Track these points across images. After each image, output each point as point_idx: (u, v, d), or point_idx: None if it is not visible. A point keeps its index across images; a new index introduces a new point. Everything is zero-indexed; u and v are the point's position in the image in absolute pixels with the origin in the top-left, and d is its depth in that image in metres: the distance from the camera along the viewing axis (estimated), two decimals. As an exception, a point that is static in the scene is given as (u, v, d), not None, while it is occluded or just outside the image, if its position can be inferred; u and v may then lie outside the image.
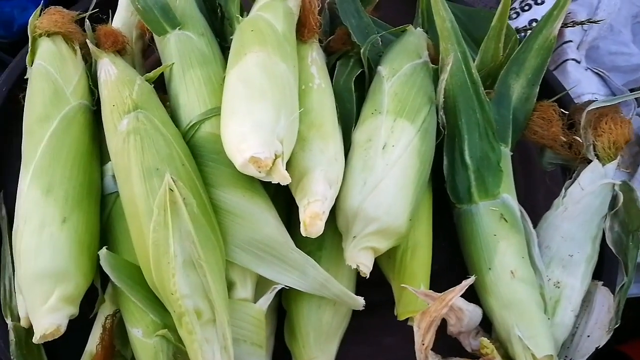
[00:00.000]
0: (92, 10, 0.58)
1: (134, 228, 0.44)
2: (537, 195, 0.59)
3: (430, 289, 0.47)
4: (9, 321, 0.48)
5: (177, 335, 0.42)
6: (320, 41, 0.58)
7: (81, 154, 0.49)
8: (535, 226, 0.52)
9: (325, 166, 0.46)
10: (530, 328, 0.45)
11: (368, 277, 0.45)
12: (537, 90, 0.56)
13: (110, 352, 0.46)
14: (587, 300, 0.50)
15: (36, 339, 0.43)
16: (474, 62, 0.55)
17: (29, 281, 0.44)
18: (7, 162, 0.56)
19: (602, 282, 0.51)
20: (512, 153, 0.54)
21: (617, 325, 0.48)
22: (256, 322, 0.45)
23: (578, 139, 0.54)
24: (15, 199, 0.48)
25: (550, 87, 0.60)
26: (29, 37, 0.54)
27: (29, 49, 0.54)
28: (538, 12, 0.78)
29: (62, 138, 0.49)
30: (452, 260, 0.54)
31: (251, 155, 0.41)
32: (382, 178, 0.46)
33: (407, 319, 0.47)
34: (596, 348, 0.48)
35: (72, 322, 0.45)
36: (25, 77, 0.53)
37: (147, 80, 0.51)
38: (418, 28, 0.60)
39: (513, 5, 0.78)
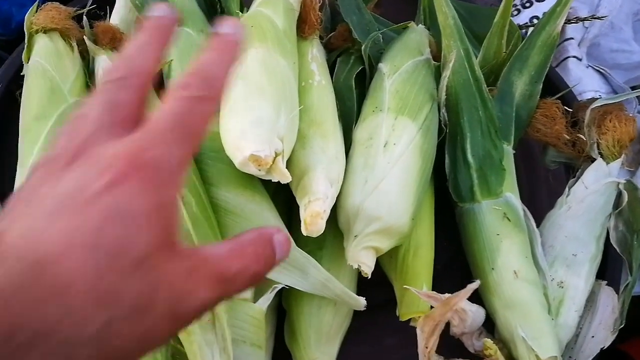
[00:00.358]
0: (90, 6, 0.58)
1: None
2: (541, 194, 0.58)
3: (432, 289, 0.47)
4: None
5: (176, 336, 0.42)
6: (320, 38, 0.57)
7: (78, 153, 0.48)
8: (538, 225, 0.52)
9: (326, 164, 0.46)
10: (534, 329, 0.45)
11: (369, 277, 0.45)
12: (540, 87, 0.56)
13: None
14: (591, 301, 0.50)
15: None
16: (476, 59, 0.54)
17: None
18: (3, 161, 0.55)
19: (606, 281, 0.50)
20: (514, 151, 0.53)
21: (622, 326, 0.47)
22: (256, 322, 0.44)
23: (582, 136, 0.54)
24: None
25: (553, 85, 0.59)
26: (25, 33, 0.53)
27: (25, 46, 0.53)
28: (539, 9, 0.78)
29: (59, 136, 0.48)
30: (455, 260, 0.53)
31: (251, 153, 0.41)
32: (383, 176, 0.45)
33: (409, 320, 0.47)
34: (601, 349, 0.47)
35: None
36: (22, 74, 0.53)
37: (145, 77, 0.50)
38: (420, 25, 0.60)
39: (514, 2, 0.77)
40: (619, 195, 0.51)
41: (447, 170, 0.52)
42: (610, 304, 0.49)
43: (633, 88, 0.71)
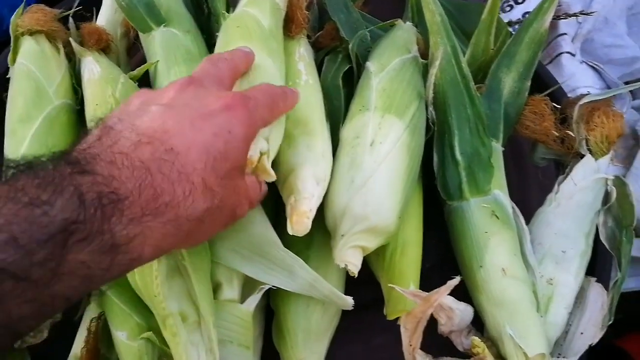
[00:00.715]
0: (76, 8, 0.58)
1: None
2: (530, 191, 0.58)
3: (421, 287, 0.46)
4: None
5: (162, 337, 0.42)
6: (308, 37, 0.57)
7: (64, 154, 0.48)
8: (527, 222, 0.51)
9: (312, 163, 0.45)
10: (522, 326, 0.44)
11: (357, 276, 0.45)
12: (529, 84, 0.55)
13: (96, 355, 0.45)
14: (580, 297, 0.49)
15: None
16: (464, 56, 0.54)
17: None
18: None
19: (595, 278, 0.50)
20: (503, 148, 0.53)
21: (610, 322, 0.47)
22: (243, 323, 0.44)
23: (570, 133, 0.53)
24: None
25: (542, 81, 0.59)
26: (11, 35, 0.53)
27: (11, 48, 0.53)
28: (531, 4, 0.78)
29: (45, 138, 0.48)
30: (444, 258, 0.53)
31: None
32: (370, 175, 0.45)
33: (397, 318, 0.46)
34: (590, 345, 0.47)
35: (56, 325, 0.44)
36: (7, 77, 0.53)
37: (131, 78, 0.51)
38: (407, 22, 0.59)
39: (507, -2, 0.77)
40: (608, 191, 0.51)
41: (436, 168, 0.52)
42: (599, 300, 0.49)
43: (627, 83, 0.71)
